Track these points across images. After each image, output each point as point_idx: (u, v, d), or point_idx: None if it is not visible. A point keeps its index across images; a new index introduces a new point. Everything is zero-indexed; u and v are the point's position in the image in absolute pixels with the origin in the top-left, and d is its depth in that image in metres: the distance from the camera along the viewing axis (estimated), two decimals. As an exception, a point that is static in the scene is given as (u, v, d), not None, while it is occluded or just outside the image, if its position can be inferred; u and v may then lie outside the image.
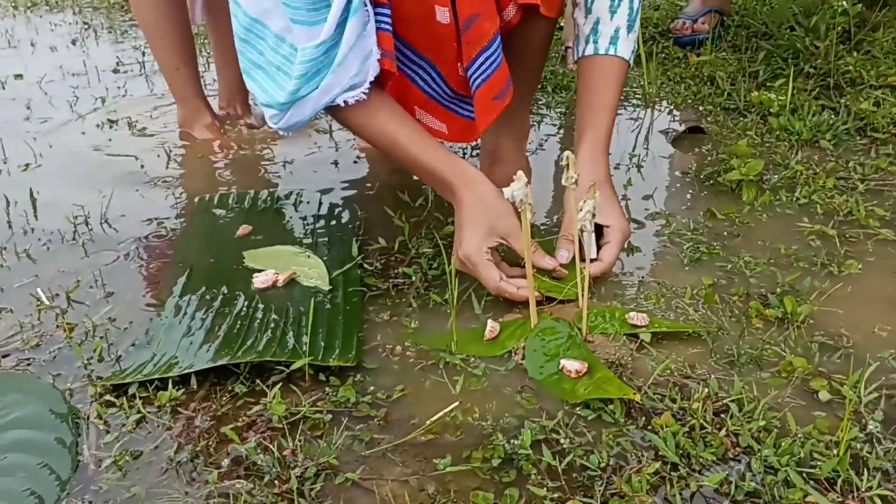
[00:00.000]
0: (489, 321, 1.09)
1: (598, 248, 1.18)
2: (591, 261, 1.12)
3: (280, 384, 0.99)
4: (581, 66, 1.27)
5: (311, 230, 1.39)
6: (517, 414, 0.94)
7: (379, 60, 1.15)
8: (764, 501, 0.81)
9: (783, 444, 0.86)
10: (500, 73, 1.22)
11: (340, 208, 1.47)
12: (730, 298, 1.15)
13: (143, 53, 2.53)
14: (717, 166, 1.56)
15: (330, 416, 0.94)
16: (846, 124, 1.69)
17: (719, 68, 2.07)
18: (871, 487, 0.81)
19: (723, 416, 0.92)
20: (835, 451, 0.86)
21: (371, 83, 1.15)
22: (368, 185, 1.58)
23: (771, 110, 1.78)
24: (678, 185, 1.53)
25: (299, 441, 0.90)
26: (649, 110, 1.92)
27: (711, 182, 1.52)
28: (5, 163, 1.72)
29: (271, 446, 0.89)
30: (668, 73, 2.12)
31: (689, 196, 1.49)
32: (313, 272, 1.23)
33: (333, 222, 1.41)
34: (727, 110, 1.87)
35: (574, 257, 1.14)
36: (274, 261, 1.26)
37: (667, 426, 0.89)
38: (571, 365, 0.98)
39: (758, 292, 1.16)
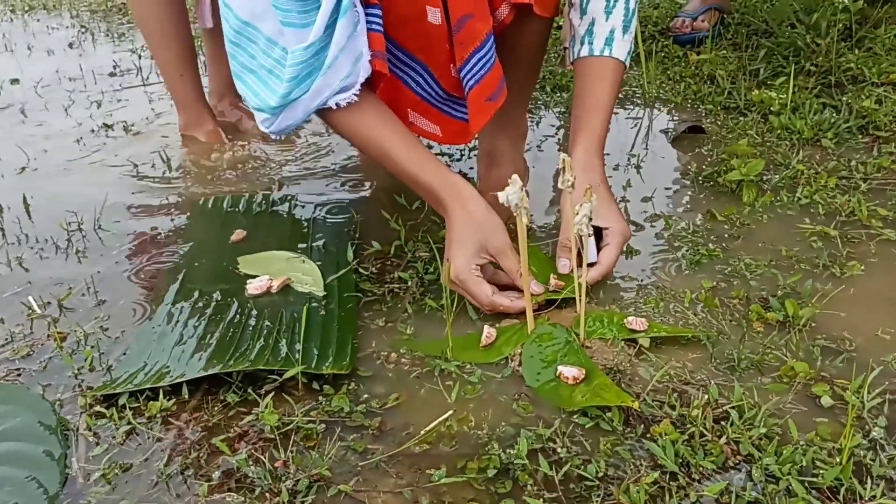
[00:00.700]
0: (486, 327, 1.08)
1: (598, 250, 1.16)
2: (590, 265, 1.11)
3: (273, 393, 0.97)
4: (577, 68, 1.25)
5: (306, 234, 1.37)
6: (513, 422, 0.93)
7: (370, 61, 1.13)
8: (765, 511, 0.79)
9: (785, 451, 0.85)
10: (494, 73, 1.20)
11: (336, 212, 1.46)
12: (730, 302, 1.13)
13: (140, 57, 2.52)
14: (718, 166, 1.54)
15: (323, 425, 0.93)
16: (848, 123, 1.68)
17: (719, 67, 2.05)
18: (874, 496, 0.80)
19: (723, 423, 0.90)
20: (837, 459, 0.84)
21: (362, 85, 1.14)
22: (364, 188, 1.56)
23: (772, 109, 1.76)
24: (678, 186, 1.52)
25: (291, 452, 0.89)
26: (649, 110, 1.90)
27: (711, 183, 1.50)
28: (-1, 168, 1.71)
29: (263, 458, 0.88)
30: (668, 71, 2.10)
31: (688, 197, 1.47)
32: (308, 277, 1.21)
33: (328, 226, 1.40)
34: (727, 109, 1.85)
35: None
36: (268, 266, 1.25)
37: (666, 434, 0.88)
38: (569, 371, 0.97)
39: (758, 295, 1.15)
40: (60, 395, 1.00)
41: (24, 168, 1.71)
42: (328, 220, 1.42)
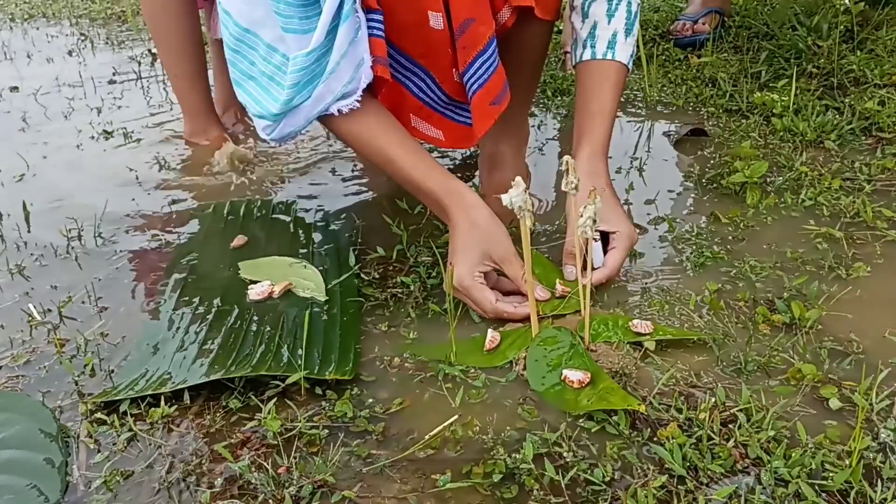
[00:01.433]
0: (489, 331, 1.07)
1: (605, 253, 1.16)
2: (595, 269, 1.10)
3: (275, 399, 0.96)
4: (579, 72, 1.25)
5: (308, 239, 1.36)
6: (518, 427, 0.92)
7: (372, 67, 1.13)
8: (775, 515, 0.78)
9: (793, 454, 0.83)
10: (497, 77, 1.20)
11: (337, 217, 1.45)
12: (735, 304, 1.12)
13: (140, 64, 2.52)
14: (721, 169, 1.54)
15: (326, 431, 0.92)
16: (851, 124, 1.67)
17: (721, 69, 2.04)
18: (885, 499, 0.79)
19: (731, 426, 0.89)
20: (847, 462, 0.83)
21: (364, 91, 1.13)
22: (366, 192, 1.55)
23: (774, 111, 1.75)
24: (681, 188, 1.51)
25: (295, 458, 0.88)
26: (650, 113, 1.89)
27: (715, 185, 1.50)
28: (-1, 175, 1.70)
29: (266, 464, 0.87)
30: (669, 75, 2.10)
31: (692, 200, 1.46)
32: (310, 283, 1.20)
33: (330, 231, 1.39)
34: (729, 112, 1.85)
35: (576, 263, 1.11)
36: (270, 272, 1.24)
37: (673, 438, 0.87)
38: (574, 375, 0.96)
39: (764, 297, 1.14)
40: (61, 402, 0.99)
41: (23, 175, 1.70)
42: (330, 225, 1.41)
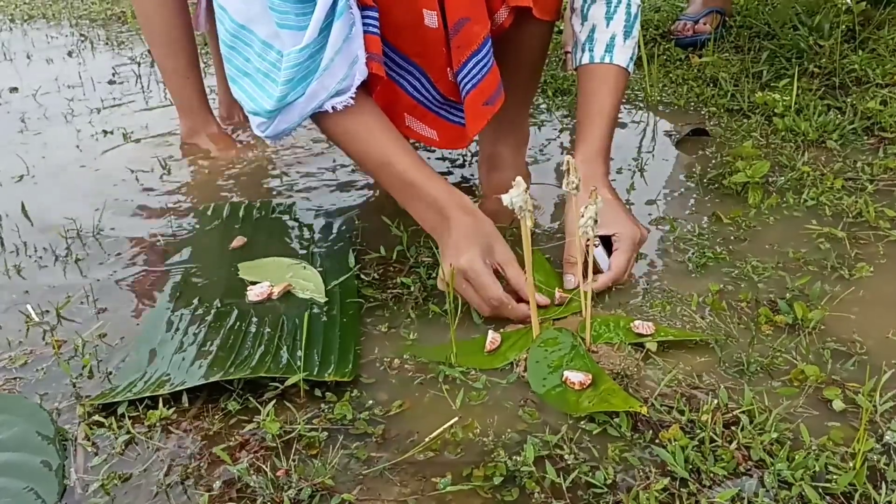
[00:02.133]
0: (490, 332, 1.06)
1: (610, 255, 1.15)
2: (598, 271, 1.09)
3: (274, 401, 0.95)
4: (579, 75, 1.24)
5: (308, 240, 1.36)
6: (519, 429, 0.91)
7: (367, 64, 1.12)
8: (778, 518, 0.78)
9: (797, 457, 0.83)
10: (491, 77, 1.19)
11: (337, 217, 1.44)
12: (738, 305, 1.12)
13: (139, 65, 2.51)
14: (722, 169, 1.53)
15: (326, 433, 0.91)
16: (853, 124, 1.66)
17: (722, 69, 2.04)
18: (890, 502, 0.78)
19: (733, 428, 0.88)
20: (851, 464, 0.82)
21: (359, 90, 1.12)
22: (365, 192, 1.55)
23: (775, 111, 1.75)
24: (682, 188, 1.50)
25: (294, 461, 0.87)
26: (652, 113, 1.89)
27: (716, 185, 1.49)
28: (-2, 176, 1.69)
29: (264, 467, 0.86)
30: (671, 75, 2.09)
31: (693, 200, 1.45)
32: (309, 284, 1.20)
33: (330, 232, 1.38)
34: (731, 111, 1.84)
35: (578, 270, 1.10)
36: (269, 272, 1.23)
37: (675, 440, 0.86)
38: (575, 377, 0.95)
39: (766, 298, 1.13)
40: (59, 405, 0.98)
41: (22, 176, 1.70)
42: (329, 226, 1.41)
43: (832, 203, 1.38)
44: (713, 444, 0.86)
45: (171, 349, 1.06)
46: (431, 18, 1.15)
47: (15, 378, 1.04)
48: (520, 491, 0.82)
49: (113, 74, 2.43)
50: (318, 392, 0.98)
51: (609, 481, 0.82)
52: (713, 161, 1.60)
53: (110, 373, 1.03)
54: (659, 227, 1.35)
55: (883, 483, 0.80)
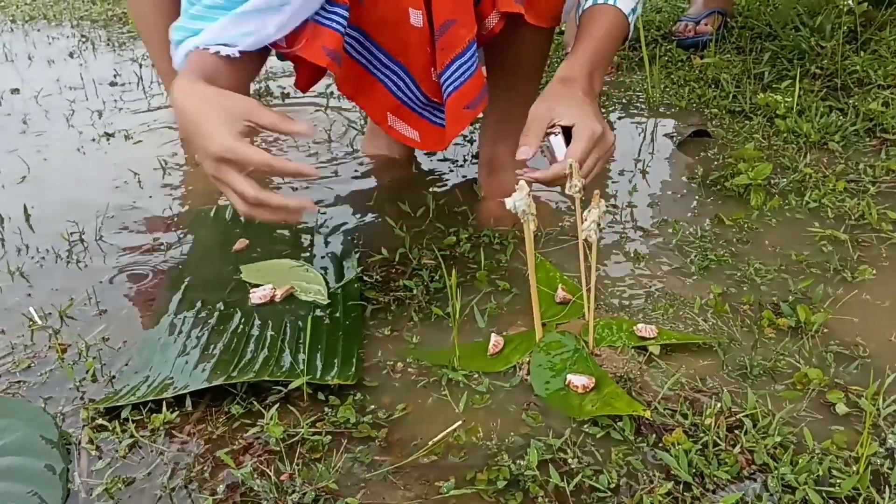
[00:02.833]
0: (493, 335, 1.06)
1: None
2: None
3: (277, 405, 0.96)
4: (580, 20, 1.20)
5: (310, 242, 1.36)
6: (523, 433, 0.91)
7: (323, 54, 1.12)
8: (782, 522, 0.78)
9: (800, 461, 0.83)
10: (474, 81, 1.19)
11: (340, 219, 1.44)
12: (740, 307, 1.12)
13: (141, 66, 2.51)
14: (724, 170, 1.53)
15: (329, 437, 0.91)
16: (855, 125, 1.66)
17: (724, 70, 2.04)
18: (894, 506, 0.78)
19: (737, 431, 0.88)
20: (854, 468, 0.82)
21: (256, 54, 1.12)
22: (368, 194, 1.55)
23: (777, 112, 1.75)
24: (684, 190, 1.50)
25: (297, 465, 0.87)
26: (653, 114, 1.89)
27: (718, 187, 1.49)
28: None
29: (268, 471, 0.86)
30: (672, 76, 2.09)
31: (695, 202, 1.45)
32: (312, 286, 1.20)
33: (333, 234, 1.38)
34: (733, 113, 1.84)
35: (579, 267, 1.09)
36: (271, 275, 1.23)
37: (678, 443, 0.86)
38: (578, 380, 0.95)
39: (769, 301, 1.13)
40: (62, 408, 0.98)
41: (24, 178, 1.69)
42: (332, 228, 1.41)
43: (834, 205, 1.38)
44: (716, 448, 0.86)
45: (175, 352, 1.06)
46: (417, 18, 1.16)
47: (18, 381, 1.04)
48: (523, 495, 0.82)
49: (114, 76, 2.43)
50: (321, 395, 0.98)
51: (612, 485, 0.82)
52: (715, 163, 1.60)
53: (113, 376, 1.03)
54: (661, 228, 1.35)
55: (886, 487, 0.81)
